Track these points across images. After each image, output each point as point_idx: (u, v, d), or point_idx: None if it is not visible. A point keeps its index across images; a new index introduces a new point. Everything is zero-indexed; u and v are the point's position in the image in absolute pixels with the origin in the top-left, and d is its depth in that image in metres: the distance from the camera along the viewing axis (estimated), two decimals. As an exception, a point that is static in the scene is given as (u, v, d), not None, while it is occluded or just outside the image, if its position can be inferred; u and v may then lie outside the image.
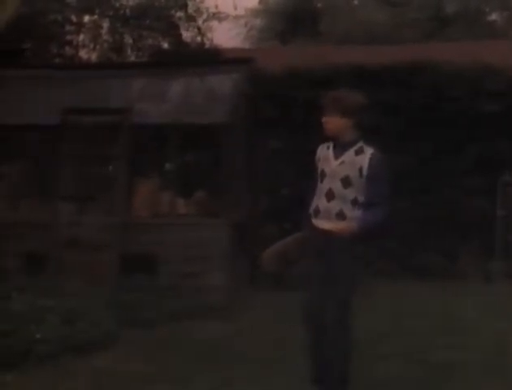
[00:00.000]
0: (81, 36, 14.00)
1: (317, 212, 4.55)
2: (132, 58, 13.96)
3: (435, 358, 5.66)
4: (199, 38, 14.27)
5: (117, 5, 13.92)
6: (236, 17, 19.35)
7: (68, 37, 13.57)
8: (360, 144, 4.57)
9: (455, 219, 9.77)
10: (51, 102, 8.43)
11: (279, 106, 10.07)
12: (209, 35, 14.60)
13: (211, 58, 11.46)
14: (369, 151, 4.53)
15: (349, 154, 4.53)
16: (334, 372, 4.53)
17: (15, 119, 8.46)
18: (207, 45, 14.24)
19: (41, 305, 6.18)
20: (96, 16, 13.95)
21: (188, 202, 8.85)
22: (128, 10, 13.96)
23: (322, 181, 4.55)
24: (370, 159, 4.49)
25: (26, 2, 9.79)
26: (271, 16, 22.52)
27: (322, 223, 4.53)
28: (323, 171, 4.57)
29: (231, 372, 5.31)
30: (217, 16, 15.27)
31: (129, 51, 14.16)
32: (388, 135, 9.93)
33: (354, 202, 4.49)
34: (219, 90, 8.62)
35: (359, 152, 4.53)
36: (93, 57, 14.07)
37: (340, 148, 4.56)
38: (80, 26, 13.80)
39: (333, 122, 4.55)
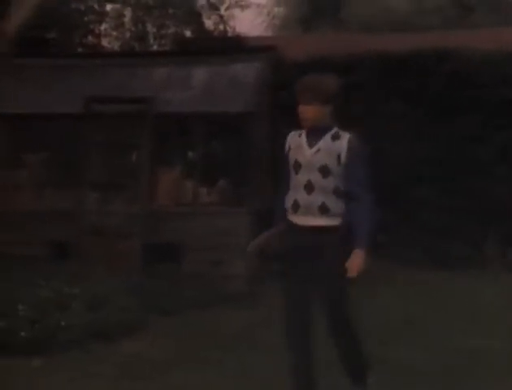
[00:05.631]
0: (104, 26, 14.04)
1: (296, 207, 4.13)
2: (155, 47, 13.98)
3: (460, 345, 5.64)
4: (221, 27, 14.27)
5: (139, -7, 13.97)
6: (259, 6, 19.40)
7: (91, 26, 13.61)
8: (335, 129, 4.18)
9: (480, 207, 9.69)
10: (74, 91, 8.46)
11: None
12: (231, 23, 14.61)
13: (234, 47, 11.44)
14: (346, 136, 4.15)
15: (326, 141, 4.14)
16: (354, 366, 4.33)
17: (39, 108, 8.51)
18: (230, 33, 14.23)
19: (66, 292, 6.25)
20: (118, 5, 13.99)
21: (211, 191, 8.87)
22: (150, -1, 14.00)
23: (297, 173, 4.16)
24: (349, 144, 4.11)
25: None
26: (294, 4, 22.42)
27: (303, 219, 4.12)
28: (296, 162, 4.17)
29: (254, 360, 5.33)
30: (239, 4, 15.29)
31: (152, 40, 14.18)
32: (412, 123, 9.89)
33: (336, 192, 4.11)
34: (243, 79, 8.61)
35: (336, 137, 4.14)
36: (116, 46, 14.10)
37: (314, 135, 4.16)
38: (102, 15, 13.84)
39: (311, 111, 4.12)
